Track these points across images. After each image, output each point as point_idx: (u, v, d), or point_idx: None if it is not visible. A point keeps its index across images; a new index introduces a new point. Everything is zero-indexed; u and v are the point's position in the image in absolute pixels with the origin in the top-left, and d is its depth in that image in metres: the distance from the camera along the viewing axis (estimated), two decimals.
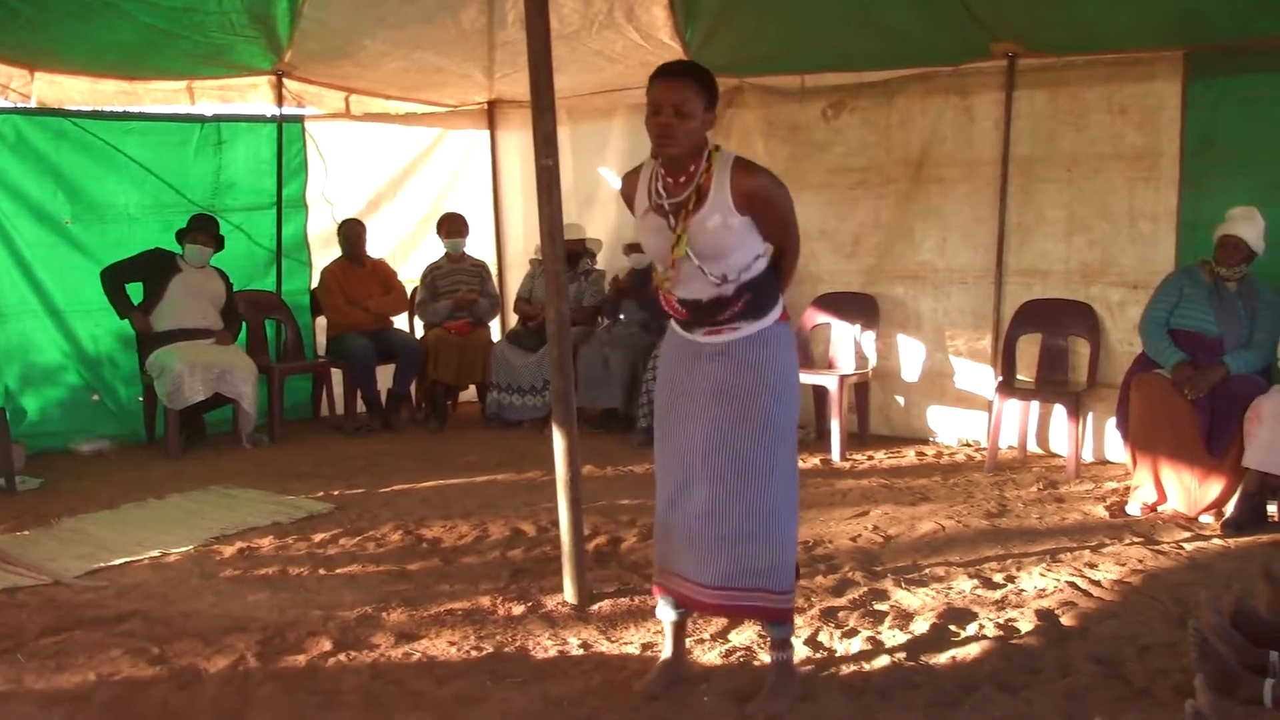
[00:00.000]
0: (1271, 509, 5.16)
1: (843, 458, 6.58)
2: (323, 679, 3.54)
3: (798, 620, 3.90)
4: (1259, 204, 5.39)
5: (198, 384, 6.80)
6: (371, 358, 7.76)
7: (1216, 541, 4.91)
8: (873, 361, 7.05)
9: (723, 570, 3.24)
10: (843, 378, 6.68)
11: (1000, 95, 6.62)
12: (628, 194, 3.41)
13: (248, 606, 4.21)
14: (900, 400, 7.23)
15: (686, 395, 3.32)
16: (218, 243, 7.26)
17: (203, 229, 7.17)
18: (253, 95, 7.82)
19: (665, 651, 3.53)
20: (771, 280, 3.31)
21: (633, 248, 7.65)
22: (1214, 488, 5.14)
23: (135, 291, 7.07)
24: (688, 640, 3.69)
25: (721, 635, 3.81)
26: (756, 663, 3.59)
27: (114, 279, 6.99)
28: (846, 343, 7.03)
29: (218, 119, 7.75)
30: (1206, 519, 5.18)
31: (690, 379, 3.31)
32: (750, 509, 3.21)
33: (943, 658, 3.63)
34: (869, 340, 7.01)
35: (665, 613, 3.49)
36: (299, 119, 8.12)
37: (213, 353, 6.99)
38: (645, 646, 3.74)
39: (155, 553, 4.91)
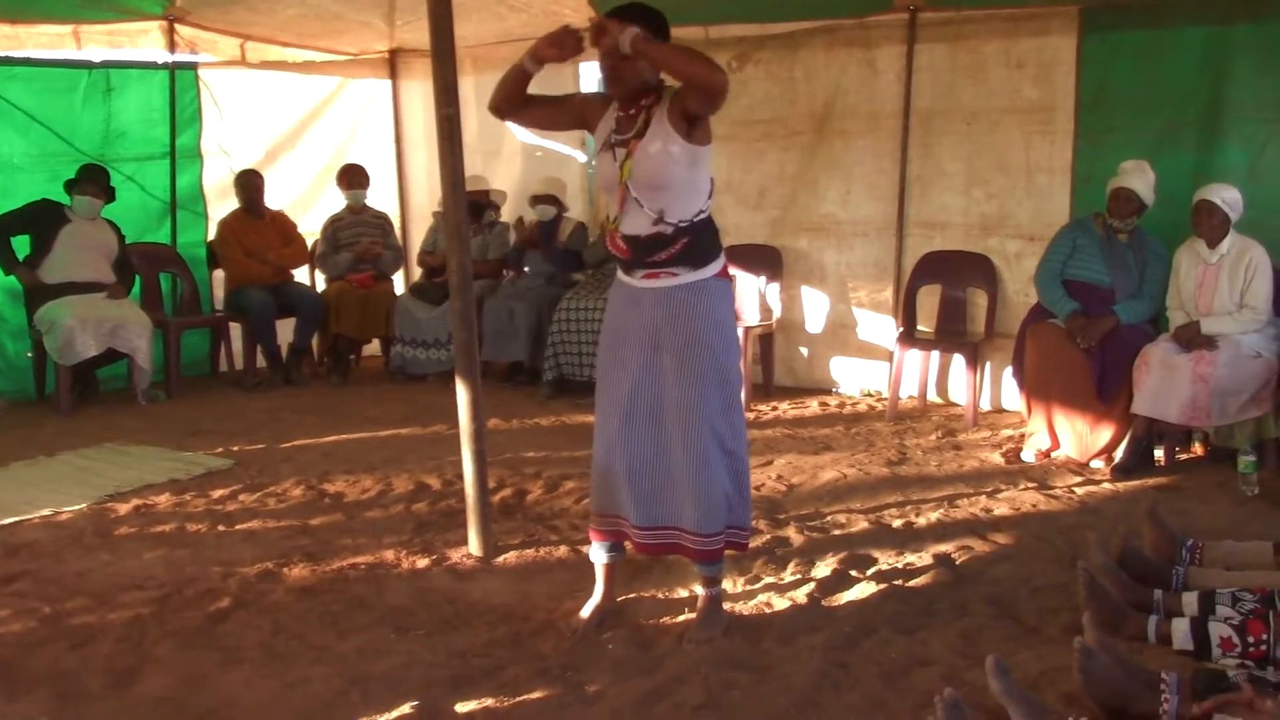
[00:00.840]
0: (1158, 453, 5.34)
1: (747, 409, 6.59)
2: (222, 635, 3.49)
3: None
4: (1150, 157, 5.53)
5: (89, 339, 6.60)
6: (272, 311, 7.60)
7: (1106, 485, 5.06)
8: (777, 313, 7.11)
9: (655, 513, 3.38)
10: (747, 329, 6.72)
11: (902, 49, 6.66)
12: (586, 106, 3.49)
13: (144, 564, 4.13)
14: (804, 351, 7.30)
15: (626, 344, 3.38)
16: (108, 194, 7.02)
17: (91, 180, 6.92)
18: (143, 41, 7.55)
19: (595, 594, 3.59)
20: (713, 232, 3.38)
21: (539, 200, 7.58)
22: (1104, 434, 5.29)
23: (22, 245, 6.82)
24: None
25: (628, 584, 3.83)
26: (665, 617, 3.63)
27: None
28: (751, 294, 7.07)
29: (106, 65, 7.47)
30: (1097, 464, 5.34)
31: (630, 327, 3.38)
32: (682, 456, 3.30)
33: (842, 602, 3.70)
34: (774, 292, 7.07)
35: (598, 555, 3.56)
36: (192, 66, 7.86)
37: (105, 307, 6.78)
38: (550, 598, 3.75)
39: (46, 511, 4.78)
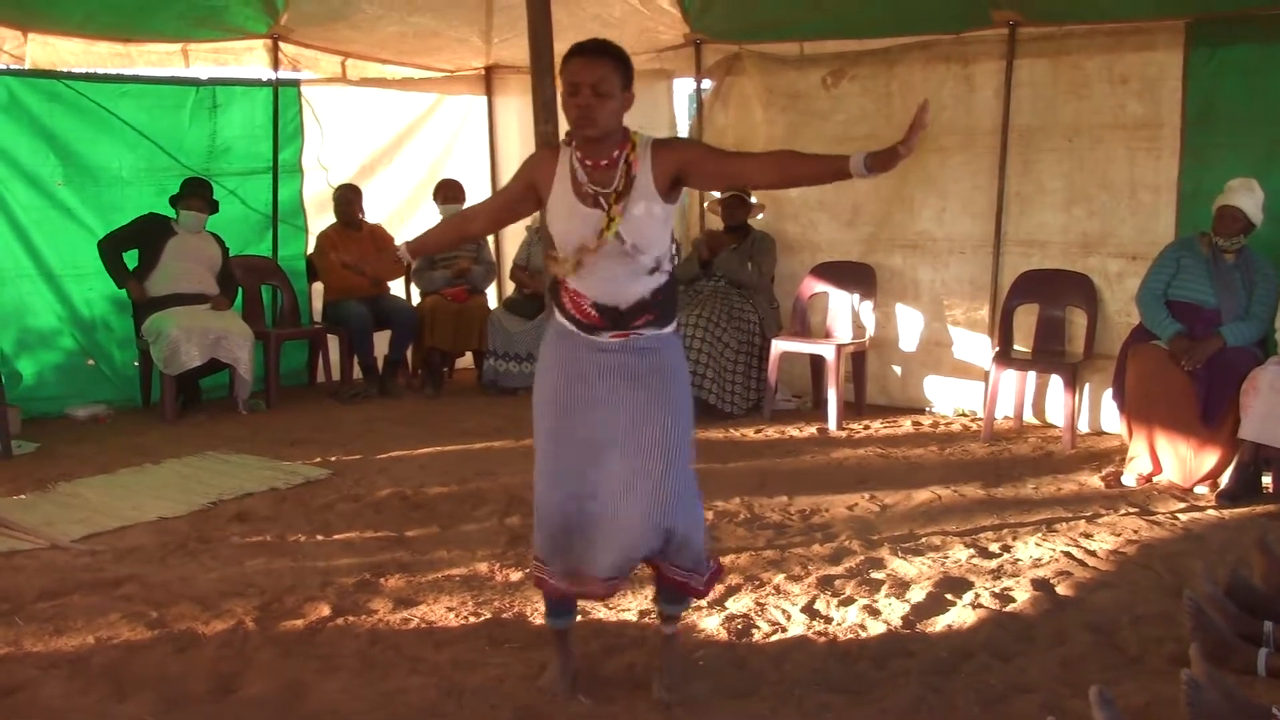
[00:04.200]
0: (1266, 480, 5.18)
1: (839, 427, 6.59)
2: (321, 643, 3.55)
3: (794, 588, 3.94)
4: (1258, 175, 5.39)
5: (194, 349, 6.77)
6: (369, 324, 7.73)
7: (1211, 512, 4.93)
8: (870, 331, 7.04)
9: (641, 546, 3.06)
10: (840, 347, 6.67)
11: (1001, 64, 6.58)
12: (531, 173, 3.15)
13: (245, 571, 4.22)
14: (897, 370, 7.22)
15: (592, 383, 3.08)
16: (211, 207, 7.20)
17: (196, 193, 7.10)
18: (248, 58, 7.75)
19: (559, 662, 3.26)
20: (674, 287, 3.21)
21: None
22: (1209, 459, 5.16)
23: (130, 258, 7.03)
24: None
25: (720, 601, 3.82)
26: (759, 635, 3.61)
27: (112, 250, 6.93)
28: (844, 312, 7.02)
29: (213, 82, 7.67)
30: (1201, 490, 5.20)
31: (596, 369, 3.09)
32: (670, 488, 3.04)
33: (938, 626, 3.65)
34: (867, 310, 7.01)
35: (557, 621, 3.25)
36: (295, 83, 8.04)
37: (209, 318, 6.96)
38: (642, 613, 3.76)
39: (152, 517, 4.91)
